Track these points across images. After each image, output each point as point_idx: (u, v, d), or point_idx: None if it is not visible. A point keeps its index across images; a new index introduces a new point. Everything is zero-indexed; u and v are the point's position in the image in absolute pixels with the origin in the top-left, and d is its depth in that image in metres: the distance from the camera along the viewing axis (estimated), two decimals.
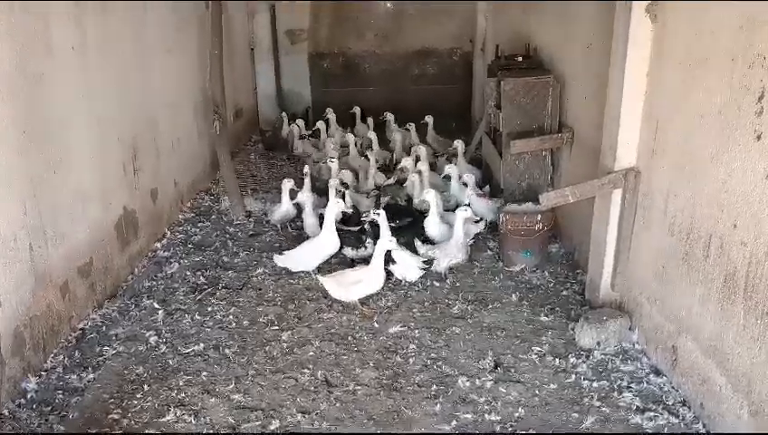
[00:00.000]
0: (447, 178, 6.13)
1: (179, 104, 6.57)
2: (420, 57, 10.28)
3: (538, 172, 5.62)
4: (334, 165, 6.22)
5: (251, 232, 5.99)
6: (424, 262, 4.73)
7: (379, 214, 4.81)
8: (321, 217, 5.30)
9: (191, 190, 6.82)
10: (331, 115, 8.63)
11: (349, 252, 5.07)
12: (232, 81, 8.19)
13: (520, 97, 5.40)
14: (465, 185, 5.84)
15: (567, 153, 5.32)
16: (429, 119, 8.17)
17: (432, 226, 5.21)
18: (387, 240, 4.50)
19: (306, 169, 6.00)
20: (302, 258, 4.91)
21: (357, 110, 8.92)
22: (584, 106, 4.92)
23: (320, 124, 8.38)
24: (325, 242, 4.88)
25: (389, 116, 8.63)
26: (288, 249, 5.07)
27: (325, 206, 5.15)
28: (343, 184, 5.86)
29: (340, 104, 9.09)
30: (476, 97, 9.54)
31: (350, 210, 5.38)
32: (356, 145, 7.47)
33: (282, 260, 4.95)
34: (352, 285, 4.42)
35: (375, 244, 4.92)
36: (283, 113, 9.26)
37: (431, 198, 5.24)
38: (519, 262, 5.07)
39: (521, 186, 5.65)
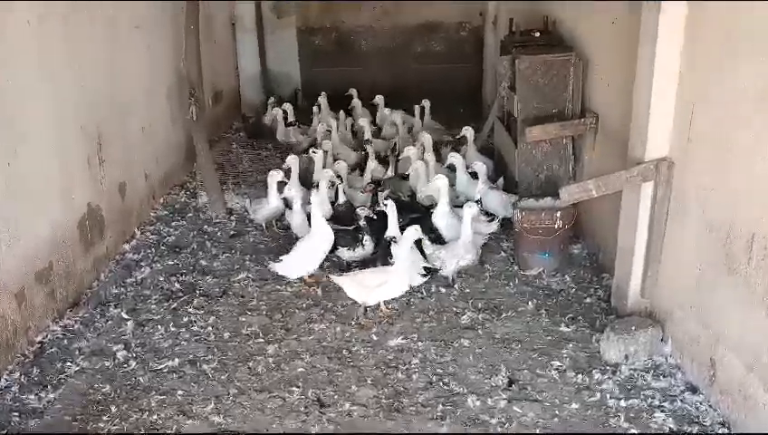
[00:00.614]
0: (452, 168, 6.04)
1: (150, 87, 6.54)
2: (424, 32, 10.26)
3: (557, 163, 5.61)
4: (317, 156, 6.20)
5: (232, 232, 5.99)
6: (424, 268, 4.70)
7: (387, 204, 4.80)
8: (308, 216, 5.27)
9: (164, 185, 6.81)
10: (322, 99, 8.61)
11: (344, 253, 5.04)
12: (210, 60, 8.17)
13: (537, 77, 5.39)
14: (474, 177, 5.82)
15: (590, 141, 5.31)
16: (426, 103, 8.12)
17: (440, 217, 5.20)
18: (413, 229, 4.44)
19: (288, 160, 5.98)
20: (300, 261, 4.85)
21: (353, 92, 8.87)
22: (610, 88, 4.90)
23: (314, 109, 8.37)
24: (320, 237, 4.85)
25: (379, 98, 8.57)
26: (276, 252, 5.06)
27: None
28: (338, 177, 5.85)
29: (333, 86, 9.07)
30: (488, 78, 9.53)
31: (335, 194, 5.36)
32: (338, 130, 7.44)
33: (280, 268, 4.88)
34: (376, 288, 4.38)
35: (373, 241, 4.93)
36: (272, 98, 9.25)
37: (441, 184, 5.22)
38: (536, 265, 5.07)
39: (538, 178, 5.64)
